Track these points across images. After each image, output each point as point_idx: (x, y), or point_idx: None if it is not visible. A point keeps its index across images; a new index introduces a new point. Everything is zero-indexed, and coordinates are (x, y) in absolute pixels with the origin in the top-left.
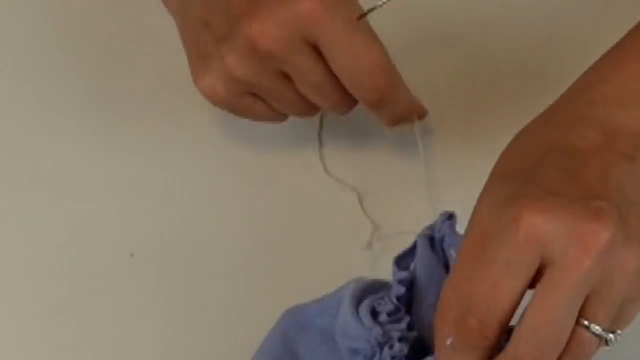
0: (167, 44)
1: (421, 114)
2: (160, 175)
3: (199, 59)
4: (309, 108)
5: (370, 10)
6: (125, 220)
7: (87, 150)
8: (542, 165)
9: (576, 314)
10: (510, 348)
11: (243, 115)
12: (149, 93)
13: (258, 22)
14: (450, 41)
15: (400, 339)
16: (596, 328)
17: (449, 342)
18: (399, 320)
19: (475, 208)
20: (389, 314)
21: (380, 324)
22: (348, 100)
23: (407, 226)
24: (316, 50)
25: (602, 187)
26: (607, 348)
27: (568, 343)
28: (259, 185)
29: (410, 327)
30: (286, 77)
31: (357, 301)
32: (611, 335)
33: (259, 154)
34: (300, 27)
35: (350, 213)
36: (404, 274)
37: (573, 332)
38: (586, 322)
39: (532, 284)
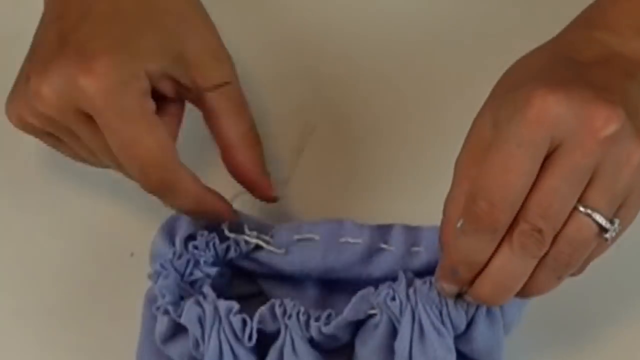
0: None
1: (226, 217)
2: None
3: (15, 83)
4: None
5: None
6: (125, 220)
7: None
8: (548, 69)
9: (576, 197)
10: (514, 225)
11: (52, 147)
12: None
13: (40, 82)
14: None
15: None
16: (595, 214)
17: (459, 224)
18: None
19: (462, 149)
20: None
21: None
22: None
23: None
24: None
25: (609, 88)
26: (607, 242)
27: (567, 226)
28: None
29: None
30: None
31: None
32: (609, 225)
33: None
34: (76, 101)
35: None
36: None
37: (573, 216)
38: (586, 208)
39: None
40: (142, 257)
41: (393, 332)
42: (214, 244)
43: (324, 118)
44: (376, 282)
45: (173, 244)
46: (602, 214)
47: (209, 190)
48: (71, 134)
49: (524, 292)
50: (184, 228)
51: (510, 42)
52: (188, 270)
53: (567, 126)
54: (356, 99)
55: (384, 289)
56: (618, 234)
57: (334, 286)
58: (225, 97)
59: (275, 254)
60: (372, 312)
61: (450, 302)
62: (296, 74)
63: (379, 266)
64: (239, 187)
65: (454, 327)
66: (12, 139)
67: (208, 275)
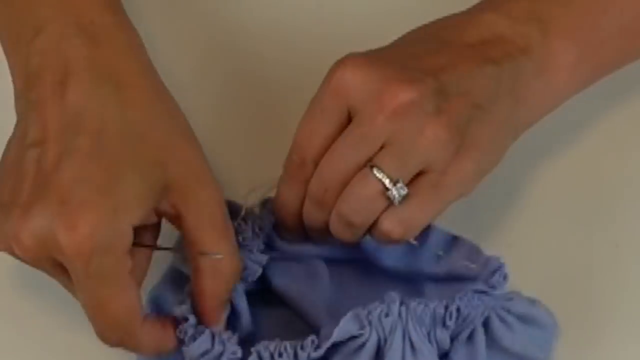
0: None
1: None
2: None
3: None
4: None
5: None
6: None
7: None
8: (403, 44)
9: (363, 160)
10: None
11: None
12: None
13: (20, 228)
14: None
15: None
16: (378, 172)
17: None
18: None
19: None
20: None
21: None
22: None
23: None
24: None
25: (440, 70)
26: (393, 203)
27: (353, 180)
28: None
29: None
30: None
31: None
32: (392, 185)
33: (256, 153)
34: (54, 254)
35: None
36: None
37: (359, 173)
38: (372, 167)
39: None
40: None
41: (377, 353)
42: (259, 229)
43: None
44: (384, 271)
45: None
46: (384, 173)
47: (163, 326)
48: (52, 269)
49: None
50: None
51: None
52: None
53: (360, 98)
54: None
55: (378, 307)
56: (430, 211)
57: (344, 270)
58: (207, 219)
59: None
60: (360, 332)
61: (439, 324)
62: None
63: (390, 254)
64: (239, 180)
65: (439, 348)
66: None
67: (260, 264)
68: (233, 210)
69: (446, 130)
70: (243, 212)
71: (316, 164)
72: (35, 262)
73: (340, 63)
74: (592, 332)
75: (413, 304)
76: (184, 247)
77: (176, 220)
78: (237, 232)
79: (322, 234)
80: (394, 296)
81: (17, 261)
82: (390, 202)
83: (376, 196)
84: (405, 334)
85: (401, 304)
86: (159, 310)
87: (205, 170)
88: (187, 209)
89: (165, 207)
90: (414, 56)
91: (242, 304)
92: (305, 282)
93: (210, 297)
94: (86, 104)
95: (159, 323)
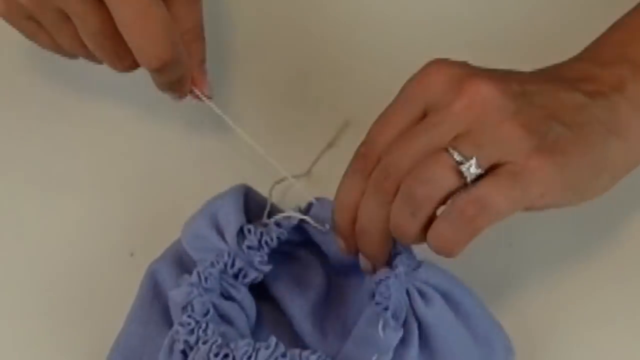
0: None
1: (200, 85)
2: (160, 175)
3: None
4: (90, 55)
5: None
6: (125, 220)
7: (87, 149)
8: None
9: (433, 147)
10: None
11: (28, 38)
12: (149, 93)
13: None
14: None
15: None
16: (452, 150)
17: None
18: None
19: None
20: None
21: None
22: (127, 62)
23: None
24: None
25: (527, 82)
26: (468, 180)
27: (423, 160)
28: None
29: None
30: (68, 17)
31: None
32: (465, 161)
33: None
34: None
35: None
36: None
37: (436, 154)
38: (446, 148)
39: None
40: (141, 257)
41: None
42: (266, 241)
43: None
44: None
45: (222, 237)
46: (458, 151)
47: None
48: (60, 17)
49: (397, 237)
50: (233, 220)
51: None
52: (242, 272)
53: (441, 90)
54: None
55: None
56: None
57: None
58: None
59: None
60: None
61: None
62: (333, 69)
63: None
64: (240, 179)
65: None
66: (11, 137)
67: (262, 272)
68: (258, 202)
69: (525, 129)
70: (268, 207)
71: (386, 150)
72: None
73: (431, 61)
74: (592, 332)
75: None
76: None
77: None
78: (244, 237)
79: (375, 246)
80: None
81: (17, 261)
82: (463, 181)
83: (448, 171)
84: None
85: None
86: (156, 285)
87: None
88: None
89: None
90: (503, 73)
91: (247, 301)
92: (296, 287)
93: None
94: None
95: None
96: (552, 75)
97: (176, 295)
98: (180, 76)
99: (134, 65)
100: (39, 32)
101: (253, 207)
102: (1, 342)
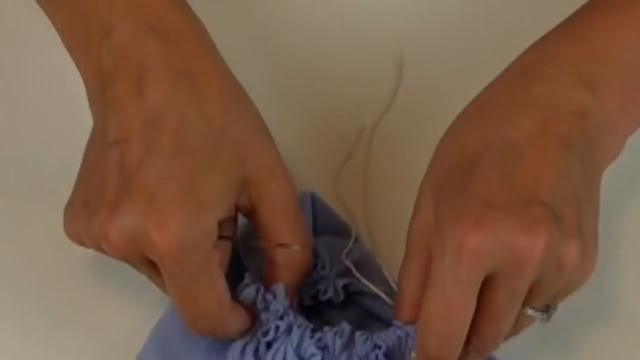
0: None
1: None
2: None
3: (71, 202)
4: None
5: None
6: None
7: None
8: (477, 172)
9: (518, 308)
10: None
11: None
12: None
13: (108, 226)
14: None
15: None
16: (530, 312)
17: (413, 356)
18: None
19: (412, 221)
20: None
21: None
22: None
23: None
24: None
25: (537, 188)
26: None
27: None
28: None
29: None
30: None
31: None
32: (545, 315)
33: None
34: (144, 251)
35: None
36: None
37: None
38: (525, 309)
39: None
40: None
41: None
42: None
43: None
44: None
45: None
46: (536, 310)
47: (246, 309)
48: (142, 265)
49: None
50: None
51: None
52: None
53: (498, 259)
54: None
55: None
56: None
57: None
58: (282, 213)
59: None
60: None
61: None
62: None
63: None
64: None
65: None
66: (11, 137)
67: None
68: (343, 229)
69: (576, 250)
70: (354, 237)
71: (462, 337)
72: (124, 258)
73: (462, 229)
74: (592, 331)
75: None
76: (258, 240)
77: (252, 214)
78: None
79: None
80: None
81: (17, 261)
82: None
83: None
84: None
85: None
86: None
87: (280, 165)
88: (263, 203)
89: (243, 201)
90: (506, 176)
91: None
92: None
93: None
94: (165, 101)
95: (242, 307)
96: (524, 135)
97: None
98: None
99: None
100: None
101: None
102: (1, 342)
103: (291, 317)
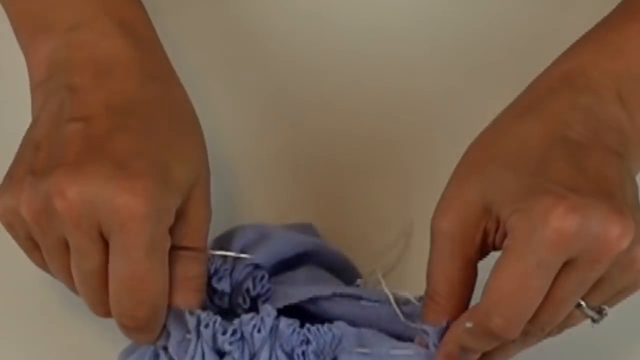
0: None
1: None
2: None
3: (9, 174)
4: (73, 286)
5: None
6: None
7: None
8: (550, 159)
9: (577, 300)
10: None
11: (21, 247)
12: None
13: (70, 182)
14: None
15: None
16: (587, 308)
17: (468, 325)
18: None
19: (441, 218)
20: None
21: None
22: (105, 309)
23: None
24: (105, 243)
25: (609, 183)
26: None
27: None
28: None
29: None
30: (66, 247)
31: None
32: (598, 316)
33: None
34: (102, 216)
35: None
36: None
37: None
38: (583, 304)
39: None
40: None
41: None
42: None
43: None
44: None
45: None
46: (593, 307)
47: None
48: (60, 246)
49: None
50: None
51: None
52: None
53: (583, 245)
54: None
55: (251, 320)
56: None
57: None
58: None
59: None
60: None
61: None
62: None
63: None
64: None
65: None
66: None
67: None
68: (351, 274)
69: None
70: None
71: (527, 319)
72: (71, 223)
73: (549, 208)
74: (592, 331)
75: (283, 322)
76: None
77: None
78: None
79: None
80: (270, 310)
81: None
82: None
83: (579, 319)
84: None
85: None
86: None
87: (208, 189)
88: (185, 218)
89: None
90: (581, 170)
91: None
92: None
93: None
94: (137, 94)
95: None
96: (580, 139)
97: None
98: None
99: (110, 315)
100: (34, 250)
101: None
102: (1, 342)
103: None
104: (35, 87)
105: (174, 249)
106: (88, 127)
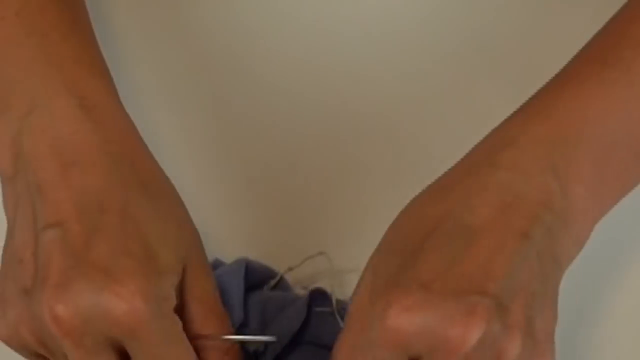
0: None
1: None
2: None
3: (1, 296)
4: None
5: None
6: None
7: None
8: (425, 248)
9: None
10: None
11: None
12: (151, 93)
13: (56, 304)
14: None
15: None
16: None
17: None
18: None
19: (354, 292)
20: None
21: None
22: None
23: None
24: (114, 350)
25: (484, 277)
26: None
27: None
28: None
29: None
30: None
31: None
32: None
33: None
34: (105, 327)
35: None
36: None
37: None
38: None
39: None
40: None
41: None
42: None
43: None
44: None
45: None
46: None
47: None
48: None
49: None
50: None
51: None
52: None
53: (423, 345)
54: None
55: None
56: None
57: None
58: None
59: None
60: None
61: None
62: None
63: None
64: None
65: None
66: None
67: None
68: (264, 275)
69: (519, 344)
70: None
71: None
72: (78, 340)
73: (390, 303)
74: (593, 330)
75: None
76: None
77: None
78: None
79: None
80: None
81: None
82: None
83: None
84: None
85: None
86: None
87: (205, 256)
88: (190, 293)
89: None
90: (452, 262)
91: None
92: None
93: None
94: (106, 184)
95: None
96: (478, 221)
97: None
98: None
99: None
100: None
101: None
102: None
103: None
104: (4, 182)
105: (196, 339)
106: (65, 234)
